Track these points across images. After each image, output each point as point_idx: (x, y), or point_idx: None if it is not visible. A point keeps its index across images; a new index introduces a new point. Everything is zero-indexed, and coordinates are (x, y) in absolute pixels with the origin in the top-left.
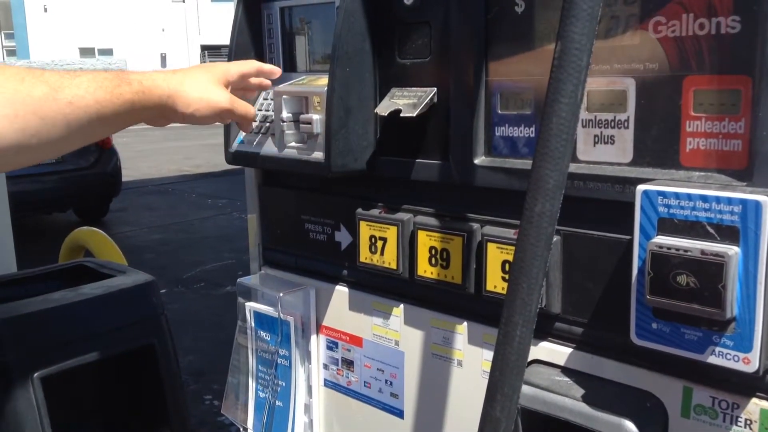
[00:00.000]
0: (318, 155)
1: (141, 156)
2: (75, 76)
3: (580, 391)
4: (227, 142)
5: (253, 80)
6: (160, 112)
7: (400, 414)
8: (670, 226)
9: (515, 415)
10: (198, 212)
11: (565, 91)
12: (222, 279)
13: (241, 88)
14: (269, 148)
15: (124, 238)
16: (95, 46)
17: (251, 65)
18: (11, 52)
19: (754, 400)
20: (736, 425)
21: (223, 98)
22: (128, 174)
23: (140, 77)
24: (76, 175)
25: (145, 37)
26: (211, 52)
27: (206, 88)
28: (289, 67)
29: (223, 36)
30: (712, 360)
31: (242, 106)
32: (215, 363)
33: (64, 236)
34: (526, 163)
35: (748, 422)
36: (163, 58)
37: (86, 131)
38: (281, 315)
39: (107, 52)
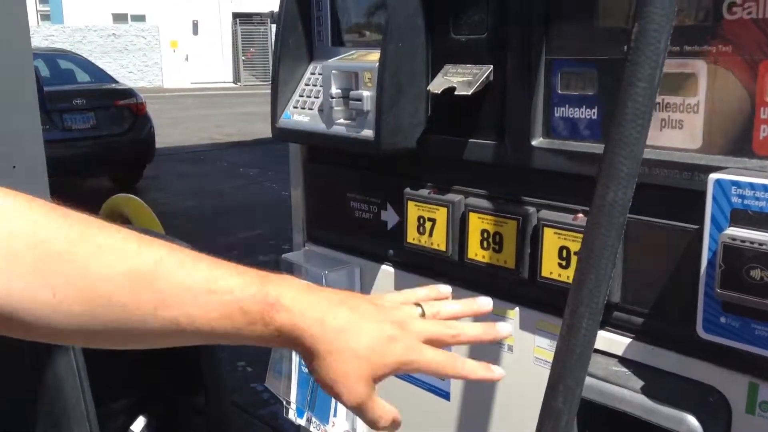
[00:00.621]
0: (367, 133)
1: (173, 123)
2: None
3: (639, 383)
4: (274, 117)
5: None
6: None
7: (446, 396)
8: (743, 217)
9: (577, 407)
10: (229, 181)
11: (642, 75)
12: (254, 248)
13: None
14: (317, 124)
15: (157, 204)
16: (128, 12)
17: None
18: (45, 17)
19: None
20: None
21: (361, 395)
22: (160, 141)
23: (290, 303)
24: (110, 141)
25: (177, 3)
26: (242, 19)
27: (359, 365)
28: (337, 40)
29: (255, 3)
30: None
31: (380, 409)
32: None
33: (98, 202)
34: (586, 146)
35: None
36: (195, 24)
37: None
38: None
39: (140, 18)
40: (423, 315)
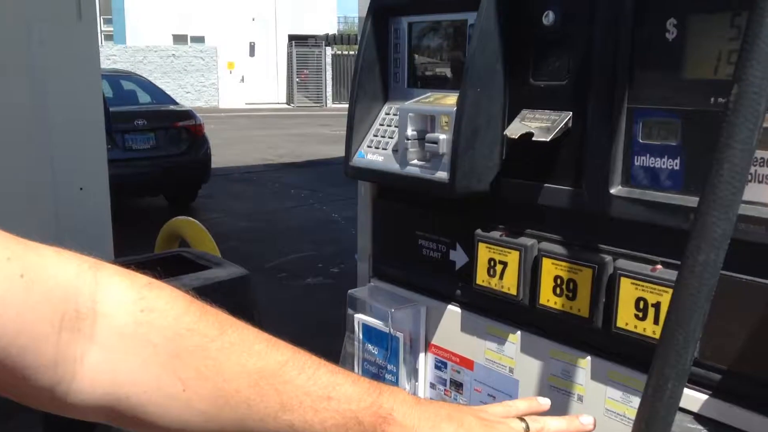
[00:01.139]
0: (442, 175)
1: (227, 143)
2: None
3: None
4: (348, 156)
5: None
6: None
7: None
8: None
9: None
10: (281, 202)
11: (740, 137)
12: (302, 270)
13: None
14: (390, 164)
15: (211, 224)
16: (188, 33)
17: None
18: (108, 37)
19: None
20: None
21: None
22: (215, 161)
23: (402, 418)
24: (169, 161)
25: (235, 26)
26: (298, 42)
27: None
28: (413, 82)
29: (311, 26)
30: None
31: None
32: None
33: (154, 220)
34: (667, 197)
35: None
36: (252, 46)
37: None
38: (392, 330)
39: (199, 39)
40: (527, 430)
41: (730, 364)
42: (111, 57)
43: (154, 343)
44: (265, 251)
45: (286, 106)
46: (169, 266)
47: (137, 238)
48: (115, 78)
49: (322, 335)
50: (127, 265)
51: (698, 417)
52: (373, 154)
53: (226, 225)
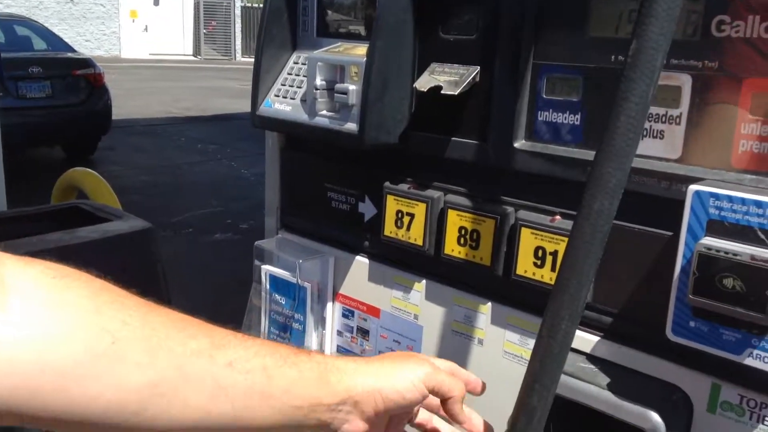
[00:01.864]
0: (351, 126)
1: (129, 95)
2: (245, 340)
3: (605, 380)
4: (254, 105)
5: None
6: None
7: None
8: (719, 228)
9: (551, 405)
10: (187, 156)
11: (637, 91)
12: (210, 226)
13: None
14: (299, 114)
15: (111, 177)
16: None
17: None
18: None
19: None
20: (763, 424)
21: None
22: (116, 112)
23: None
24: (66, 111)
25: None
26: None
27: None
28: (322, 31)
29: None
30: (749, 362)
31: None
32: (202, 310)
33: (51, 172)
34: (567, 150)
35: None
36: None
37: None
38: (299, 281)
39: None
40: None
41: (621, 308)
42: (3, 1)
43: (75, 303)
44: (170, 206)
45: (192, 58)
46: (66, 219)
47: (33, 192)
48: (8, 23)
49: (235, 293)
50: (19, 216)
51: (590, 357)
52: (280, 104)
53: (128, 179)
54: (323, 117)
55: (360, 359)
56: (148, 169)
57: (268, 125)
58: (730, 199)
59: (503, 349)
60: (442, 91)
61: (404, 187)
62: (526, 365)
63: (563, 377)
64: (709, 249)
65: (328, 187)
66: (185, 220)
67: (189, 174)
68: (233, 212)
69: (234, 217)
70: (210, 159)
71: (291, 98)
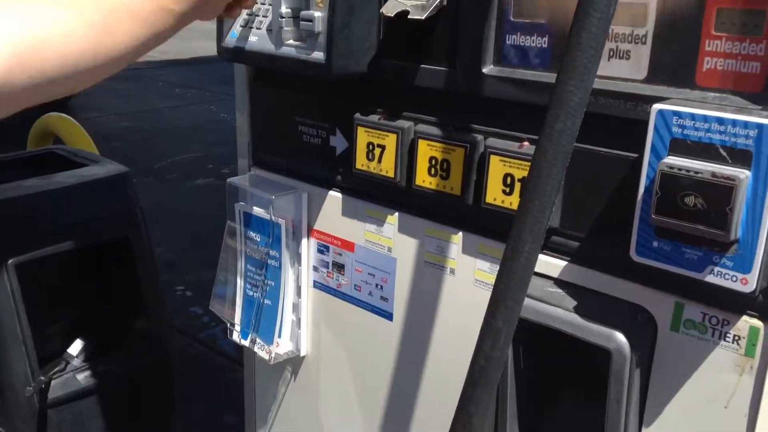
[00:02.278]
0: (318, 55)
1: None
2: None
3: (572, 303)
4: (219, 36)
5: None
6: None
7: (389, 316)
8: (682, 147)
9: (515, 326)
10: (167, 101)
11: (598, 5)
12: (192, 171)
13: None
14: (265, 44)
15: (91, 124)
16: None
17: None
18: None
19: (745, 317)
20: (724, 340)
21: None
22: None
23: None
24: None
25: None
26: None
27: None
28: None
29: None
30: (710, 279)
31: None
32: (186, 255)
33: (27, 119)
34: (535, 75)
35: (736, 338)
36: None
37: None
38: (273, 217)
39: None
40: None
41: (588, 232)
42: None
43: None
44: (151, 152)
45: None
46: (43, 165)
47: (9, 139)
48: None
49: (218, 238)
50: None
51: (558, 281)
52: (246, 34)
53: (107, 124)
54: (289, 46)
55: None
56: (128, 114)
57: (234, 57)
58: (693, 116)
59: (474, 278)
60: (409, 16)
61: (374, 118)
62: None
63: (532, 302)
64: (671, 168)
65: (299, 121)
66: (167, 165)
67: (169, 119)
68: (214, 157)
69: (215, 162)
70: (190, 103)
71: (257, 28)
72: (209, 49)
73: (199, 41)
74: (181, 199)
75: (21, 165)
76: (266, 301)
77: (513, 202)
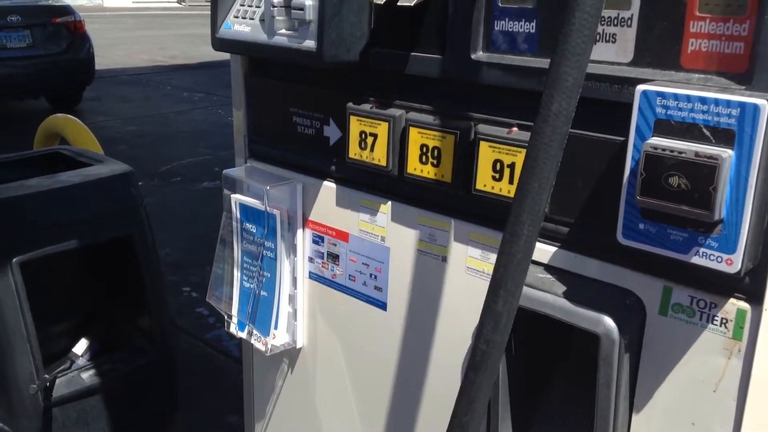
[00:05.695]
0: (309, 44)
1: (113, 44)
2: None
3: (561, 288)
4: (214, 28)
5: None
6: None
7: (383, 306)
8: (666, 127)
9: (516, 309)
10: (173, 105)
11: None
12: (198, 174)
13: None
14: (257, 34)
15: (98, 128)
16: None
17: None
18: None
19: (732, 300)
20: (712, 324)
21: None
22: (101, 62)
23: None
24: (48, 61)
25: None
26: None
27: None
28: None
29: None
30: (696, 260)
31: None
32: (192, 256)
33: (36, 124)
34: (524, 60)
35: (724, 321)
36: None
37: None
38: (268, 208)
39: None
40: None
41: (576, 217)
42: None
43: None
44: (157, 155)
45: (177, 5)
46: (48, 164)
47: (19, 142)
48: None
49: None
50: (3, 162)
51: (548, 267)
52: (240, 25)
53: (114, 128)
54: (281, 36)
55: None
56: (135, 118)
57: (228, 48)
58: (676, 97)
59: (466, 265)
60: (399, 3)
61: (367, 106)
62: (489, 280)
63: (523, 288)
64: (656, 148)
65: (293, 112)
66: (173, 168)
67: (176, 123)
68: (221, 160)
69: (222, 165)
70: (197, 107)
71: (250, 18)
72: (217, 53)
73: (206, 46)
74: (187, 201)
75: (27, 164)
76: (262, 293)
77: (502, 188)
